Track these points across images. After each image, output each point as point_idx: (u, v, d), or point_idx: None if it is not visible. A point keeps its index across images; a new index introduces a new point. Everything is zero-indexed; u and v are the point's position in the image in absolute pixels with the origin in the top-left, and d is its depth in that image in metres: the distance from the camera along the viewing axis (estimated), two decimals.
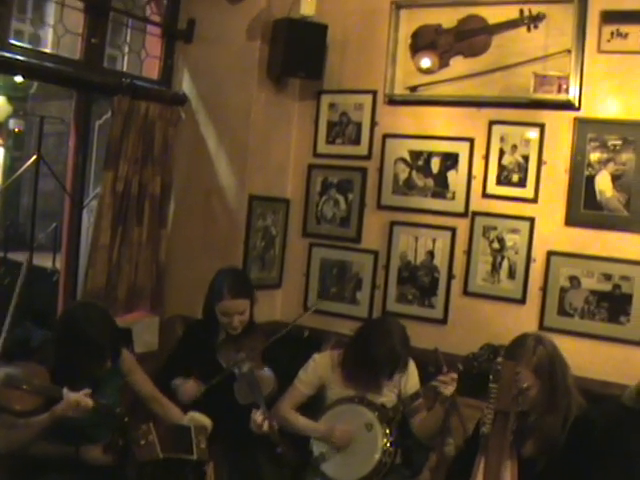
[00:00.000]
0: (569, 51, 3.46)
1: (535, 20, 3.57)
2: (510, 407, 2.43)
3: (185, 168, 4.15)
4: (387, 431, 3.06)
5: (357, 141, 4.06)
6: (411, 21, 3.89)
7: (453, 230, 3.79)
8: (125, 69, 4.34)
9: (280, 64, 3.92)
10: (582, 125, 3.47)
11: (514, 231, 3.63)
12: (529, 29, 3.59)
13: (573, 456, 2.52)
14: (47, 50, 4.03)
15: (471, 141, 3.74)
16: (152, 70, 4.20)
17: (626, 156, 3.40)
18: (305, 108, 4.23)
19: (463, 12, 3.75)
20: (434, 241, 3.84)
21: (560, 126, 3.53)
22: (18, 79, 3.59)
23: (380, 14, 3.94)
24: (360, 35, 4.04)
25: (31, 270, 3.94)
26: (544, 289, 3.56)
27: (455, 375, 3.01)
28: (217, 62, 4.08)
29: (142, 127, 3.84)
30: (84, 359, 2.70)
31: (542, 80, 3.48)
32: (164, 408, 3.02)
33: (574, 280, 3.49)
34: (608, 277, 3.42)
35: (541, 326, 3.53)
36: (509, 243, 3.65)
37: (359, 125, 4.06)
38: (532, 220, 3.59)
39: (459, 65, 3.79)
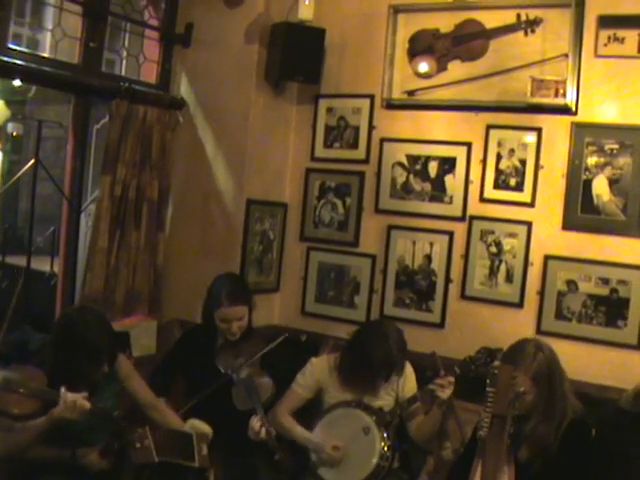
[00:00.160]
0: (566, 55, 3.47)
1: (532, 24, 3.58)
2: (507, 411, 2.42)
3: (183, 172, 4.16)
4: (385, 435, 3.05)
5: (355, 145, 4.07)
6: (409, 25, 3.90)
7: (451, 234, 3.79)
8: (123, 73, 4.35)
9: (278, 68, 3.93)
10: (579, 129, 3.48)
11: (511, 235, 3.64)
12: (526, 33, 3.60)
13: (569, 459, 2.52)
14: (45, 54, 4.03)
15: (468, 145, 3.75)
16: (150, 74, 4.20)
17: (623, 160, 3.41)
18: (303, 112, 4.23)
19: (460, 16, 3.76)
20: (431, 245, 3.85)
21: (557, 130, 3.54)
22: (16, 83, 3.59)
23: (378, 18, 3.94)
24: (358, 39, 4.05)
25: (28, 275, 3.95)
26: (541, 293, 3.56)
27: (452, 379, 3.01)
28: (215, 66, 4.08)
29: (140, 131, 3.85)
30: (82, 363, 2.69)
31: (539, 84, 3.49)
32: (162, 415, 3.01)
33: (571, 284, 3.50)
34: (605, 281, 3.43)
35: (538, 330, 3.53)
36: (506, 247, 3.65)
37: (357, 129, 4.06)
38: (529, 224, 3.60)
39: (456, 69, 3.79)
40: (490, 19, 3.69)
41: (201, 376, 3.20)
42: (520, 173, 3.62)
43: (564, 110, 3.49)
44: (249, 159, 4.01)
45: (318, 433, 3.15)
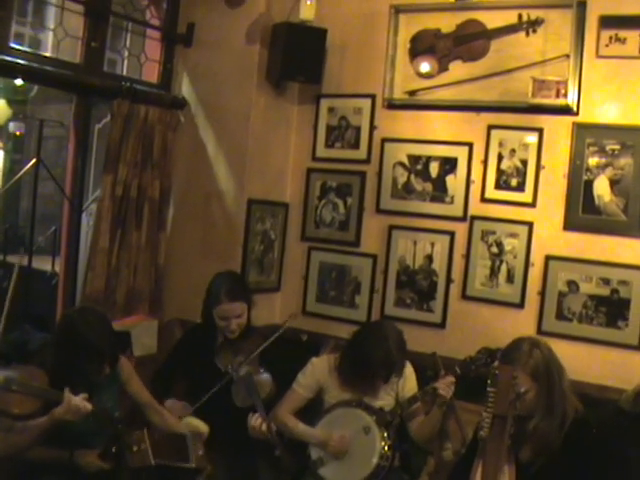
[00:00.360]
0: (567, 56, 3.47)
1: (534, 25, 3.58)
2: (508, 411, 2.42)
3: (184, 172, 4.16)
4: (385, 435, 3.05)
5: (356, 145, 4.07)
6: (410, 25, 3.90)
7: (452, 234, 3.79)
8: (125, 73, 4.34)
9: (279, 68, 3.93)
10: (580, 130, 3.48)
11: (512, 235, 3.64)
12: (528, 34, 3.60)
13: (570, 460, 2.51)
14: (47, 54, 4.03)
15: (470, 145, 3.75)
16: (152, 74, 4.20)
17: (624, 161, 3.41)
18: (304, 112, 4.23)
19: (462, 17, 3.76)
20: (433, 245, 3.85)
21: (558, 131, 3.54)
22: (18, 82, 3.60)
23: (379, 18, 3.94)
24: (359, 39, 4.05)
25: (23, 273, 3.94)
26: (542, 293, 3.56)
27: (453, 379, 3.01)
28: (216, 66, 4.09)
29: (141, 131, 3.85)
30: (83, 364, 2.69)
31: (541, 85, 3.49)
32: (161, 416, 3.02)
33: (572, 284, 3.50)
34: (606, 282, 3.43)
35: (539, 330, 3.53)
36: (507, 247, 3.65)
37: (358, 129, 4.06)
38: (530, 224, 3.59)
39: (458, 70, 3.79)
40: (491, 19, 3.69)
41: (201, 375, 3.22)
42: (521, 173, 3.62)
43: (565, 110, 3.49)
44: (250, 159, 4.01)
45: (319, 432, 3.16)
